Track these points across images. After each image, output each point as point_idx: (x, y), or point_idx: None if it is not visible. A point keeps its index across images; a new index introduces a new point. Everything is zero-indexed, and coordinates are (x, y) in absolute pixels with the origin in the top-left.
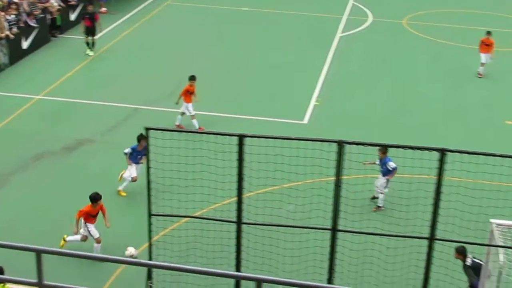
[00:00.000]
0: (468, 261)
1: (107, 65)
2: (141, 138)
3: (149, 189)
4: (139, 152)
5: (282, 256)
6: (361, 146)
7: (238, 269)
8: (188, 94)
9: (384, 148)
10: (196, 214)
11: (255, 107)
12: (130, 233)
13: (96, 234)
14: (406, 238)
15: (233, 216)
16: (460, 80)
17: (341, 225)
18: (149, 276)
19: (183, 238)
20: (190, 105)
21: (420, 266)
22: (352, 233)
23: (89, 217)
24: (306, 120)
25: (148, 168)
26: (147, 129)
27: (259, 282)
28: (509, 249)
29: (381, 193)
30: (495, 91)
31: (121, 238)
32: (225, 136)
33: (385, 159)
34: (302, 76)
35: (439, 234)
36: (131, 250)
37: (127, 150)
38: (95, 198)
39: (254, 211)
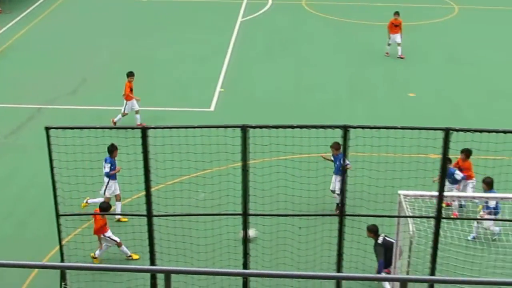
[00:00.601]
0: (380, 239)
1: (5, 66)
2: (113, 148)
3: (54, 189)
4: (115, 163)
5: (196, 245)
6: (265, 129)
7: (152, 262)
8: (131, 91)
9: (337, 144)
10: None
11: (161, 98)
12: (41, 235)
13: (117, 238)
14: (317, 217)
15: (143, 210)
16: (362, 57)
17: (251, 210)
18: (63, 278)
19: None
20: (133, 101)
21: (333, 243)
22: (263, 216)
23: (105, 227)
24: (212, 107)
25: (52, 168)
26: (47, 128)
27: (167, 274)
28: (418, 219)
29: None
30: (397, 67)
31: (32, 242)
32: (127, 130)
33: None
34: (206, 63)
35: (348, 210)
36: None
37: (108, 170)
38: (107, 208)
39: (164, 202)
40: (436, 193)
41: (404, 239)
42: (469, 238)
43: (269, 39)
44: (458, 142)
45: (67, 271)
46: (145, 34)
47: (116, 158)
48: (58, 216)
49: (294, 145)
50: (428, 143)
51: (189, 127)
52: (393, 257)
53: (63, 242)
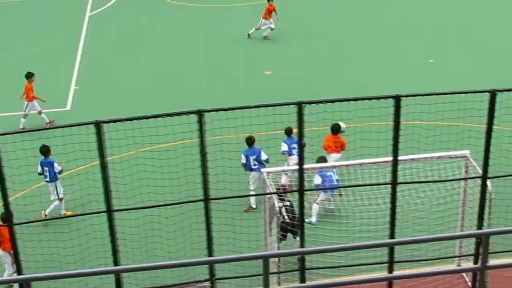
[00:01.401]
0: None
1: None
2: (47, 148)
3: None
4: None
5: (63, 248)
6: (121, 123)
7: (19, 272)
8: (32, 92)
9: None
10: None
11: (14, 101)
12: None
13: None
14: (183, 204)
15: None
16: (220, 40)
17: (116, 205)
18: None
19: None
20: (34, 102)
21: (201, 228)
22: (127, 211)
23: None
24: (68, 106)
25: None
26: None
27: (27, 282)
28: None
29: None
30: (254, 47)
31: None
32: None
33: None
34: (57, 62)
35: (212, 194)
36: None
37: (59, 168)
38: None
39: (24, 209)
40: (297, 167)
41: (272, 215)
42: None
43: (123, 31)
44: (311, 115)
45: None
46: None
47: None
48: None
49: (151, 136)
50: (283, 119)
51: (40, 129)
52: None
53: None
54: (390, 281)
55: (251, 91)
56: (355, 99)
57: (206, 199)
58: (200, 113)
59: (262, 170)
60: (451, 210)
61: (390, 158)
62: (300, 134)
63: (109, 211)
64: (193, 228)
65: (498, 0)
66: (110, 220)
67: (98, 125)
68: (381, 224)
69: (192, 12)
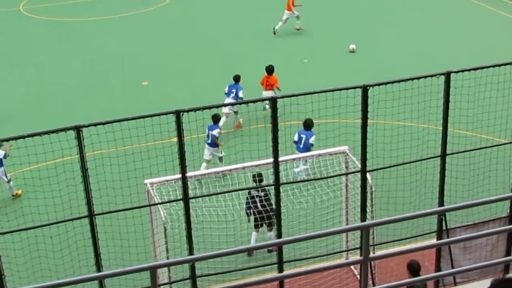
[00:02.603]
0: None
1: None
2: None
3: None
4: None
5: None
6: None
7: None
8: None
9: None
10: None
11: None
12: None
13: None
14: (67, 222)
15: None
16: (92, 53)
17: None
18: None
19: None
20: None
21: (88, 245)
22: (11, 233)
23: None
24: None
25: None
26: None
27: None
28: (168, 204)
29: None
30: (130, 58)
31: None
32: None
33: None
34: None
35: (97, 208)
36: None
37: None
38: None
39: None
40: (180, 176)
41: (158, 226)
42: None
43: None
44: (191, 122)
45: None
46: None
47: None
48: None
49: (29, 155)
50: (163, 128)
51: None
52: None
53: None
54: (281, 281)
55: (130, 103)
56: (232, 104)
57: (91, 215)
58: (78, 129)
59: (146, 181)
60: (335, 206)
61: (271, 160)
62: (180, 143)
63: None
64: (80, 245)
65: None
66: None
67: None
68: (268, 226)
69: (62, 26)
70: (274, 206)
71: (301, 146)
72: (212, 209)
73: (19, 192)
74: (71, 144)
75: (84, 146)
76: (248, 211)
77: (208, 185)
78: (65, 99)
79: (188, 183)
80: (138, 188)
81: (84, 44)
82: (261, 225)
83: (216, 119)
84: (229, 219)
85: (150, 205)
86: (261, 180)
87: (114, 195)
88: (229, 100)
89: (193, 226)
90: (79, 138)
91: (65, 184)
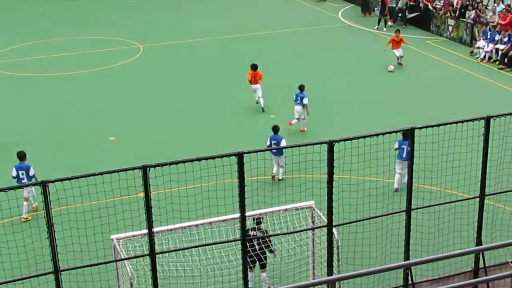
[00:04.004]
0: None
1: None
2: (24, 154)
3: None
4: None
5: None
6: None
7: None
8: None
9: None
10: None
11: None
12: None
13: None
14: (32, 279)
15: None
16: (60, 109)
17: None
18: None
19: None
20: None
21: None
22: None
23: None
24: None
25: None
26: None
27: None
28: (134, 259)
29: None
30: (97, 114)
31: None
32: None
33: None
34: None
35: (63, 264)
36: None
37: (33, 172)
38: None
39: None
40: (146, 231)
41: (124, 282)
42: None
43: None
44: (157, 177)
45: None
46: None
47: None
48: None
49: None
50: (130, 183)
51: None
52: None
53: None
54: None
55: (97, 158)
56: (199, 159)
57: (56, 271)
58: (44, 184)
59: (112, 236)
60: (301, 260)
61: (238, 215)
62: (147, 197)
63: None
64: None
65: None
66: None
67: None
68: (235, 281)
69: (32, 82)
70: (271, 248)
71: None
72: (179, 264)
73: (36, 204)
74: (37, 199)
75: (50, 201)
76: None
77: (175, 240)
78: (31, 154)
79: (155, 238)
80: (104, 243)
81: (51, 99)
82: (254, 266)
83: (276, 129)
84: (196, 274)
85: (116, 261)
86: (259, 223)
87: (80, 251)
88: (297, 107)
89: (159, 281)
90: (45, 193)
91: (30, 239)
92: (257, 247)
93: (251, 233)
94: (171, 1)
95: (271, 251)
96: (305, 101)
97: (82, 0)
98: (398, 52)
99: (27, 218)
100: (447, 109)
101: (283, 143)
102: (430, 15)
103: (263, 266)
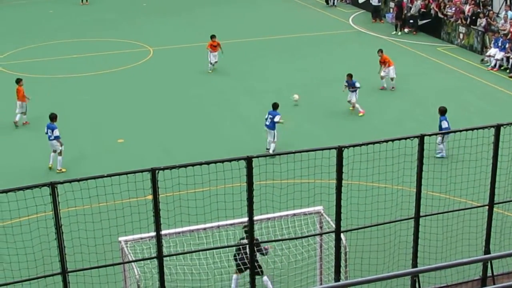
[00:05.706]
0: None
1: None
2: (55, 115)
3: None
4: None
5: None
6: None
7: None
8: None
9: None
10: None
11: None
12: None
13: None
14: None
15: None
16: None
17: None
18: None
19: None
20: None
21: None
22: None
23: None
24: None
25: None
26: None
27: None
28: (142, 262)
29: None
30: (103, 115)
31: None
32: None
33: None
34: None
35: (70, 266)
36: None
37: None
38: None
39: None
40: (154, 233)
41: (131, 284)
42: None
43: None
44: (166, 180)
45: None
46: None
47: None
48: None
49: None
50: (138, 186)
51: None
52: None
53: None
54: None
55: (105, 160)
56: (207, 163)
57: (64, 272)
58: (52, 185)
59: (120, 238)
60: (309, 265)
61: (246, 219)
62: (155, 200)
63: None
64: None
65: None
66: None
67: None
68: (242, 285)
69: (38, 83)
70: (263, 251)
71: None
72: (186, 268)
73: (63, 170)
74: (46, 201)
75: (58, 202)
76: (236, 257)
77: (183, 243)
78: (39, 155)
79: (163, 241)
80: (112, 245)
81: (60, 101)
82: (245, 269)
83: (275, 106)
84: (203, 278)
85: (124, 263)
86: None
87: (88, 252)
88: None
89: (167, 284)
90: (53, 194)
91: (38, 240)
92: (244, 256)
93: (243, 241)
94: (181, 4)
95: (264, 254)
96: (277, 118)
97: (93, 3)
98: (384, 73)
99: (60, 169)
100: (457, 117)
101: (276, 118)
102: (441, 22)
103: (258, 274)
